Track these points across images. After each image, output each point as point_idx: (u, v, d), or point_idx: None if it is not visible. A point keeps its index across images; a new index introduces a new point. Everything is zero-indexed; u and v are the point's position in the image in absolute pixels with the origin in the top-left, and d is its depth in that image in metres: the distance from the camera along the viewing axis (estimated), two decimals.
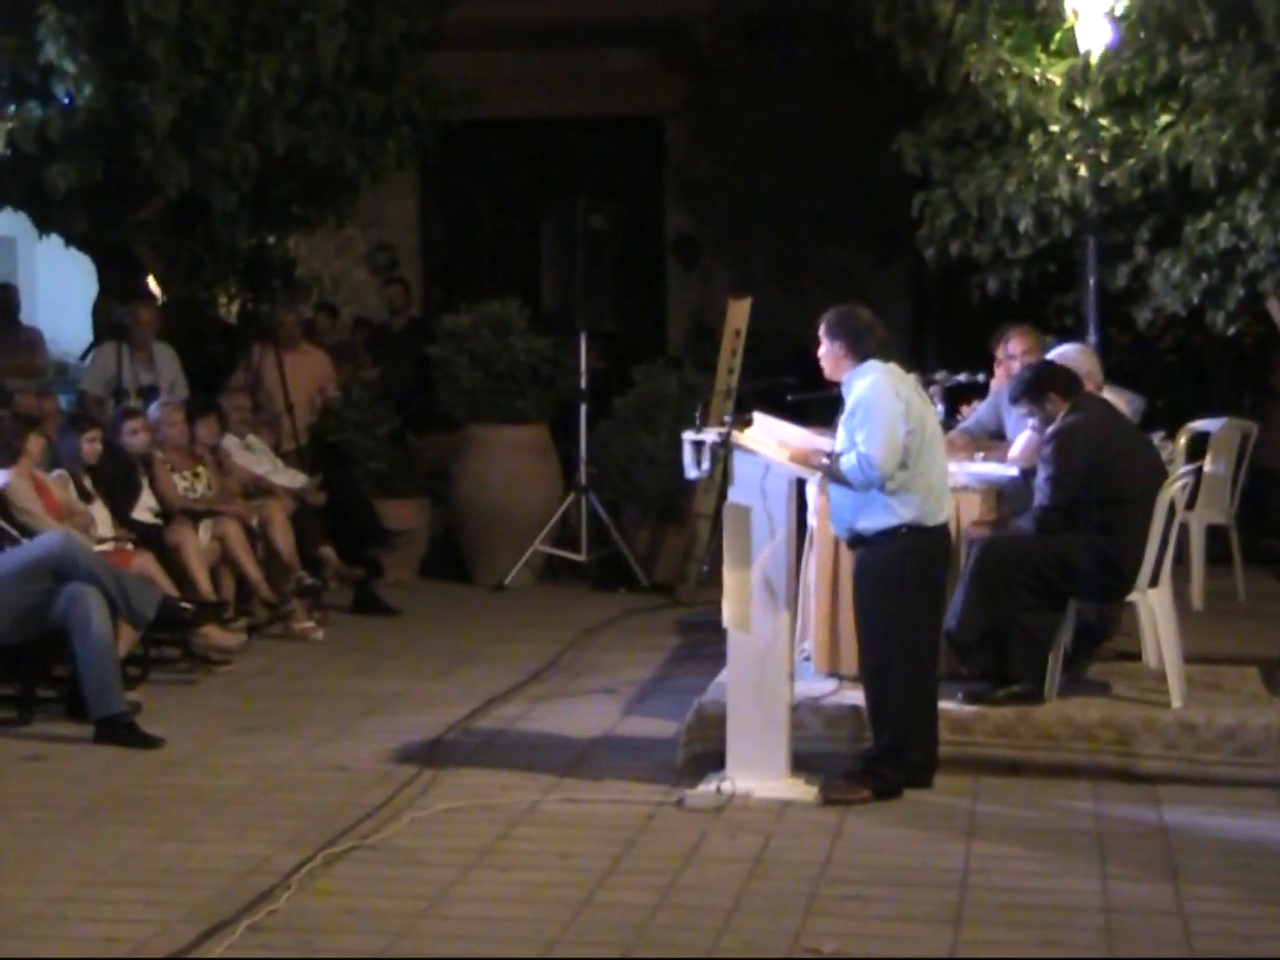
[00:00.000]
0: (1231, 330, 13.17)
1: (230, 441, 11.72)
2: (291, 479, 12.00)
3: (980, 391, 10.07)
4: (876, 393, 7.24)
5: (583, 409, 13.18)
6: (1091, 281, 12.93)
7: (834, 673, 8.37)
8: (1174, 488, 8.02)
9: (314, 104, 12.11)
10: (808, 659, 8.55)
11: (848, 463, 7.24)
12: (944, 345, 16.36)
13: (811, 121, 16.35)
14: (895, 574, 7.34)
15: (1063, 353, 9.07)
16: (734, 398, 12.39)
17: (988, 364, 10.04)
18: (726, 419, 7.51)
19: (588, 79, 16.84)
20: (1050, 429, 8.11)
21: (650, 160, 17.53)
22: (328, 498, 12.00)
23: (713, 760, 7.62)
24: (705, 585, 12.29)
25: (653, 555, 12.94)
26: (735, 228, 17.08)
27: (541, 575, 13.26)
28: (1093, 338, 12.67)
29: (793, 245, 16.74)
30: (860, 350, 7.38)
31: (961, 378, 10.24)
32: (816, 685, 8.23)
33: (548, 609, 12.19)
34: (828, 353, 7.45)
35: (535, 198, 16.06)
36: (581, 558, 13.08)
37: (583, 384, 13.18)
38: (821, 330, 7.48)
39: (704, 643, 10.60)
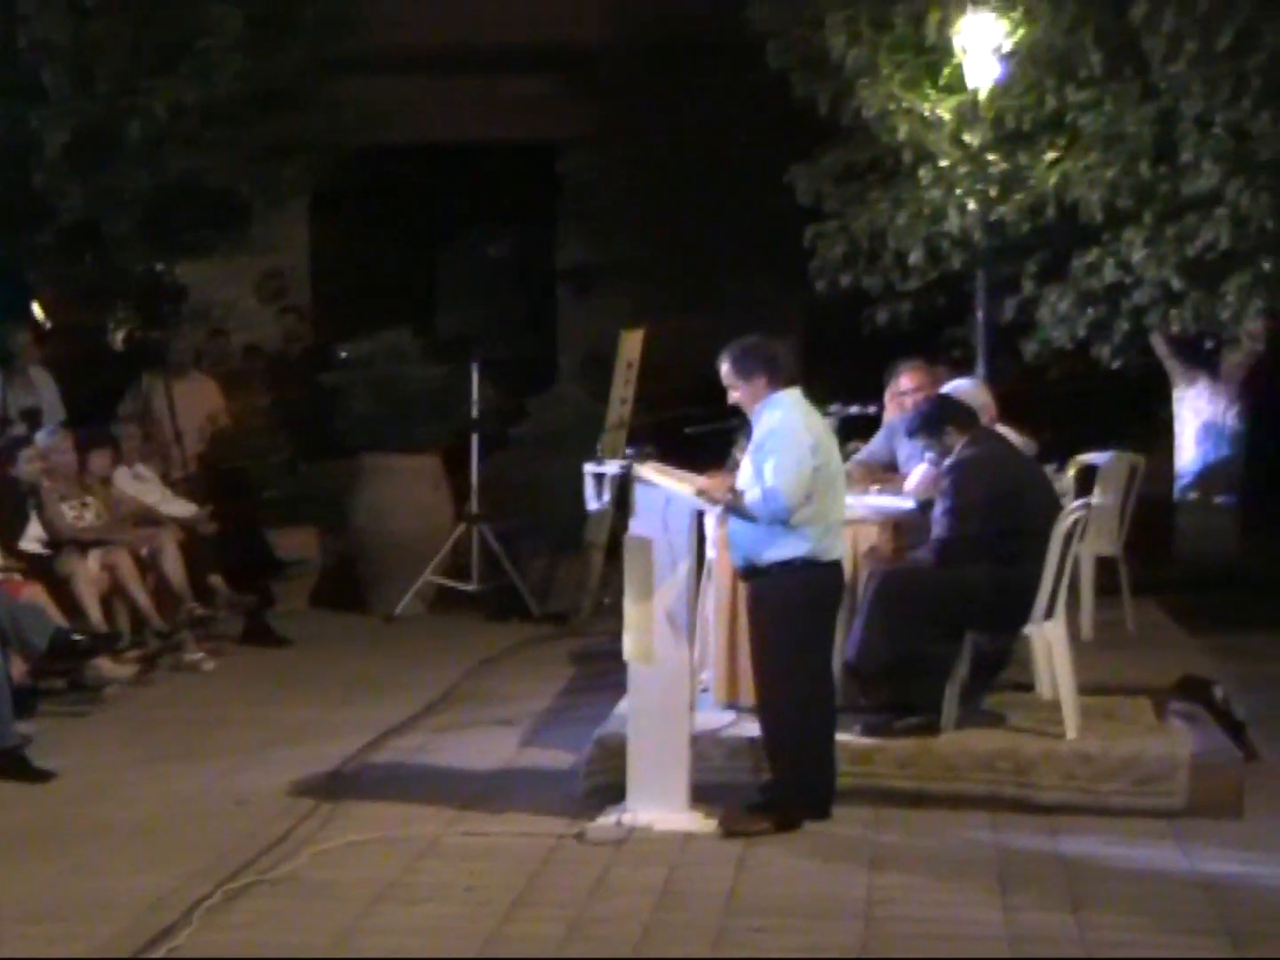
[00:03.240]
0: (1118, 363, 13.39)
1: (120, 470, 11.62)
2: (181, 508, 11.91)
3: (872, 424, 10.12)
4: (787, 426, 7.25)
5: (474, 438, 13.17)
6: (980, 314, 13.07)
7: (732, 704, 8.39)
8: (1069, 520, 8.11)
9: (211, 129, 12.03)
10: (705, 690, 8.55)
11: (753, 496, 7.23)
12: (836, 377, 16.47)
13: (710, 151, 16.36)
14: (790, 606, 7.36)
15: (957, 386, 9.14)
16: (626, 429, 12.44)
17: (879, 396, 10.10)
18: (629, 451, 7.52)
19: (484, 105, 16.82)
20: (948, 462, 8.18)
21: (546, 187, 17.53)
22: (220, 526, 11.91)
23: (614, 791, 7.60)
24: (599, 615, 12.33)
25: (548, 585, 12.94)
26: (631, 256, 17.10)
27: (433, 605, 13.21)
28: (981, 370, 12.79)
29: (690, 274, 16.74)
30: (779, 378, 7.37)
31: (854, 410, 10.29)
32: (715, 717, 8.25)
33: (441, 639, 12.16)
34: (746, 391, 7.40)
35: (429, 224, 16.05)
36: (472, 588, 13.04)
37: (474, 413, 13.16)
38: (731, 368, 7.42)
39: (600, 673, 10.59)
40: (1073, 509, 8.26)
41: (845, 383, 11.07)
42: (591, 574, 12.55)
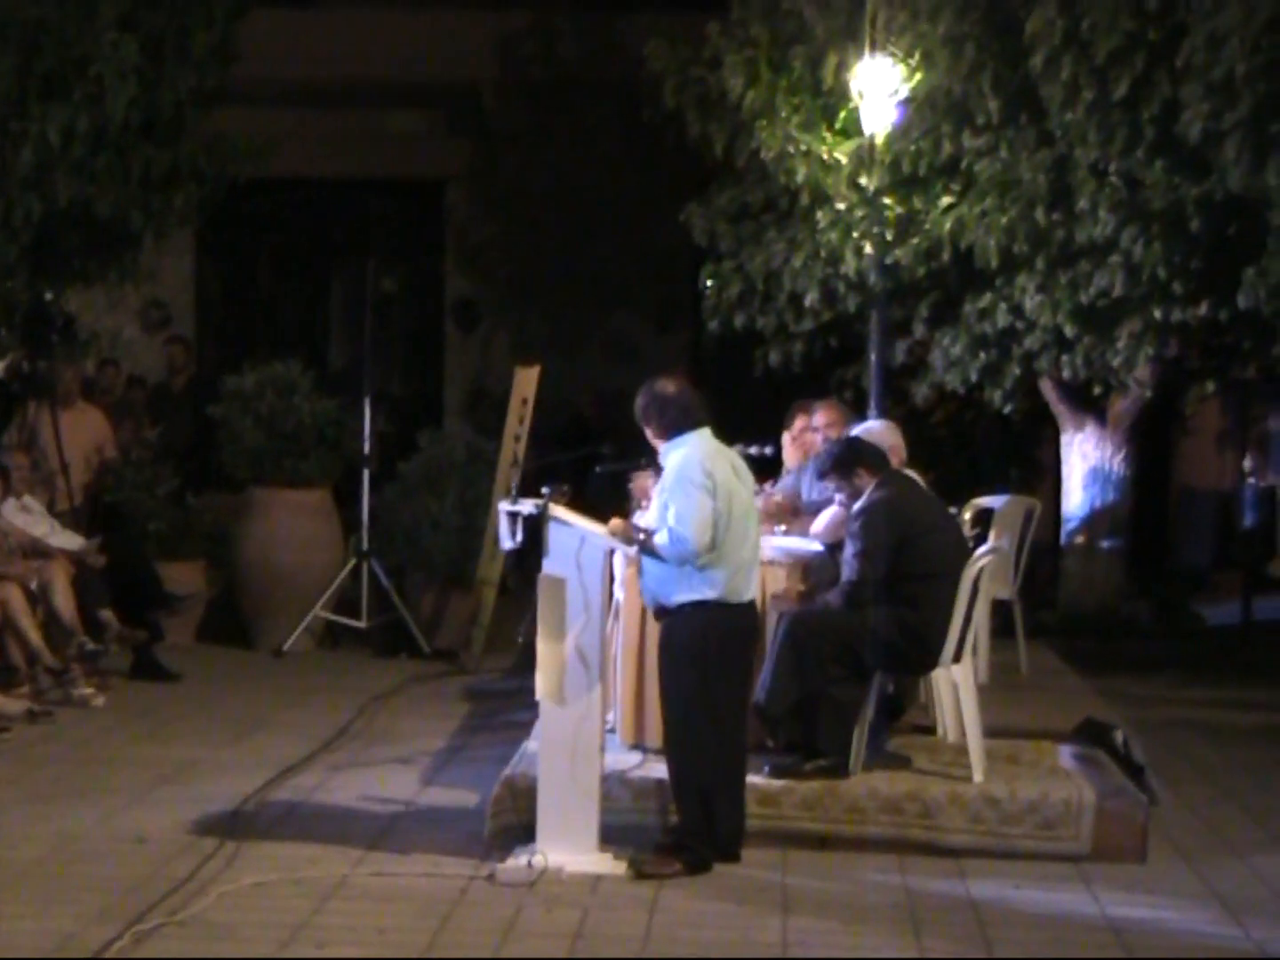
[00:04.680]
0: (1008, 408, 13.49)
1: (8, 502, 11.41)
2: (69, 540, 11.70)
3: (770, 465, 10.10)
4: (684, 468, 7.27)
5: (365, 473, 13.05)
6: (874, 356, 13.11)
7: (638, 744, 8.36)
8: (978, 565, 8.14)
9: (100, 157, 11.86)
10: (612, 730, 8.49)
11: (661, 538, 7.24)
12: (722, 417, 16.49)
13: (596, 188, 16.44)
14: (700, 647, 7.33)
15: (868, 428, 9.18)
16: (520, 467, 12.38)
17: (766, 437, 10.07)
18: (545, 490, 7.47)
19: (370, 139, 16.78)
20: (858, 504, 8.19)
21: (431, 223, 17.50)
22: (107, 559, 11.71)
23: (521, 832, 7.54)
24: (489, 653, 12.27)
25: (437, 621, 12.82)
26: (516, 292, 17.09)
27: (321, 641, 13.09)
28: (873, 411, 12.83)
29: (574, 311, 16.79)
30: (671, 427, 7.41)
31: (753, 450, 10.26)
32: (622, 757, 8.20)
33: (331, 675, 12.04)
34: (656, 428, 7.48)
35: (316, 257, 15.96)
36: (362, 624, 12.92)
37: (365, 447, 13.05)
38: (643, 405, 7.49)
39: (495, 711, 10.58)
40: (981, 554, 8.29)
41: (729, 424, 11.10)
42: (484, 611, 12.45)
